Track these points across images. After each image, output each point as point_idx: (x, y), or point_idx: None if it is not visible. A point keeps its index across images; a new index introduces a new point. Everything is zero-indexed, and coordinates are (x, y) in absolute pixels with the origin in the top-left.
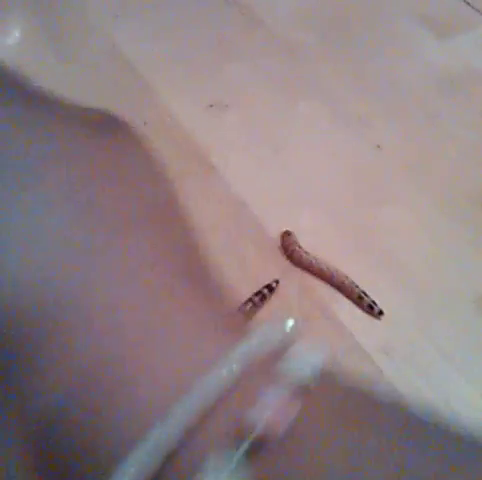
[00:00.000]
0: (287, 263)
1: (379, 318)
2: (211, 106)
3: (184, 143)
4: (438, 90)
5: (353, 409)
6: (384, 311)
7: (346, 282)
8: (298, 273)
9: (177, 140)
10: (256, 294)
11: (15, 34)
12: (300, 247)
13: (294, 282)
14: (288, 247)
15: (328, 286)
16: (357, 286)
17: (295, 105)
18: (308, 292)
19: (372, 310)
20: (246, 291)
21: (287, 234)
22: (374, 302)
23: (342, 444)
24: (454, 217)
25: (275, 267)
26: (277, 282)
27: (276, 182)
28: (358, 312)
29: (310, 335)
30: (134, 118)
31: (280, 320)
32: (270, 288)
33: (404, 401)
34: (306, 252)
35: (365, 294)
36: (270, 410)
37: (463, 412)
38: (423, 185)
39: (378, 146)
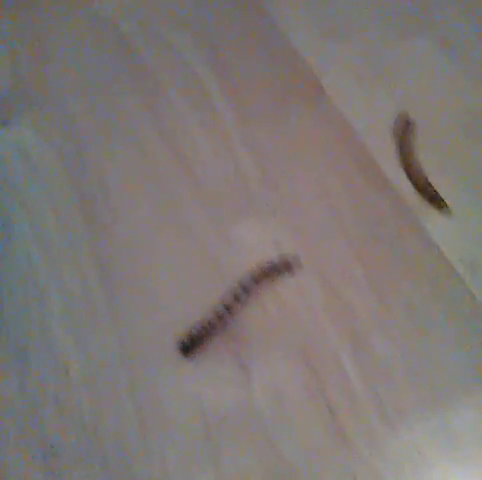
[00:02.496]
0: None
1: (441, 210)
2: (329, 36)
3: (299, 67)
4: None
5: None
6: (472, 227)
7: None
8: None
9: (293, 64)
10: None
11: None
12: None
13: (391, 200)
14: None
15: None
16: (427, 179)
17: (410, 41)
18: (403, 209)
19: (434, 201)
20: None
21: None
22: (438, 194)
23: None
24: None
25: (374, 186)
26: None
27: (384, 110)
28: (448, 227)
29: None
30: (253, 43)
31: None
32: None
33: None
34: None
35: (431, 186)
36: None
37: None
38: None
39: None
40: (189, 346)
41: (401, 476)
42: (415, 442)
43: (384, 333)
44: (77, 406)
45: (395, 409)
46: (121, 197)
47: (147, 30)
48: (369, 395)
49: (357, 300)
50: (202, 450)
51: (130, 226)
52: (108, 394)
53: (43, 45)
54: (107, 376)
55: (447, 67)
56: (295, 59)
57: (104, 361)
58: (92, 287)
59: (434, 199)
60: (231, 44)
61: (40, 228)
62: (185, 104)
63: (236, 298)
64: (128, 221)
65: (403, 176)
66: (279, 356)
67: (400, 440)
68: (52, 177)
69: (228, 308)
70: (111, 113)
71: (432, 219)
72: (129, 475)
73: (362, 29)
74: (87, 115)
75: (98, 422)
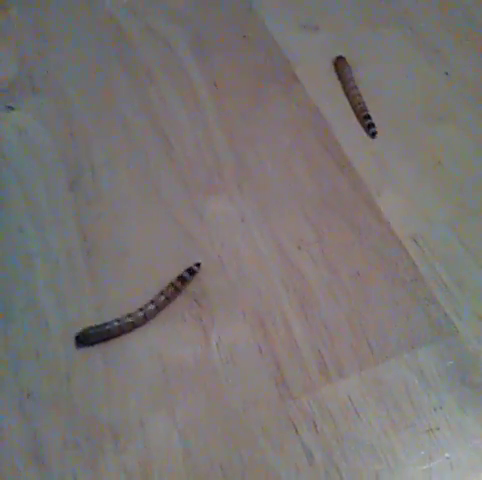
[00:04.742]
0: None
1: (373, 138)
2: (304, 26)
3: (275, 55)
4: None
5: None
6: (420, 206)
7: (360, 100)
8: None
9: (269, 52)
10: (178, 278)
11: None
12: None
13: (350, 178)
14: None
15: (375, 178)
16: (366, 108)
17: (378, 31)
18: (360, 186)
19: (369, 129)
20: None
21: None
22: (373, 124)
23: None
24: None
25: (336, 165)
26: (198, 265)
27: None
28: (397, 204)
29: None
30: (235, 32)
31: None
32: (191, 271)
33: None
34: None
35: (369, 116)
36: None
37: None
38: None
39: (446, 73)
40: (83, 341)
41: (334, 421)
42: (349, 393)
43: (330, 297)
44: (54, 359)
45: (334, 364)
46: (105, 175)
47: (138, 20)
48: (312, 352)
49: (308, 267)
50: (160, 397)
51: (112, 200)
52: (81, 348)
53: (46, 37)
54: None
55: (412, 54)
56: (272, 48)
57: (81, 320)
58: (75, 255)
59: (369, 128)
60: (214, 33)
61: (32, 201)
62: (171, 91)
63: (145, 316)
64: (110, 196)
65: (363, 157)
66: (236, 318)
67: (336, 392)
68: (46, 156)
69: (135, 322)
70: (103, 98)
71: (384, 197)
72: (93, 416)
73: (334, 20)
74: (82, 100)
75: (70, 372)
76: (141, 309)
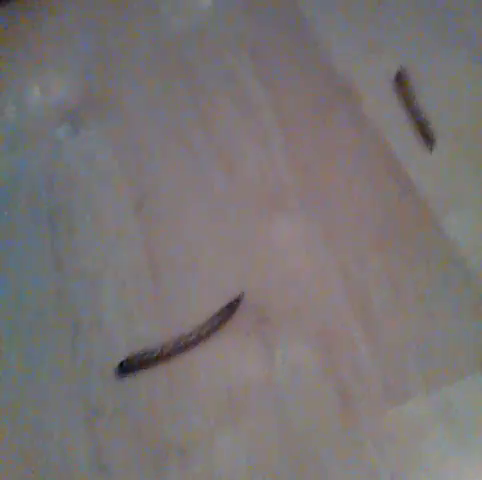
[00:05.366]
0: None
1: (431, 151)
2: (367, 49)
3: (338, 79)
4: None
5: None
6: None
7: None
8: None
9: (332, 76)
10: (228, 306)
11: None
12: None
13: (413, 199)
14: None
15: (439, 200)
16: (427, 122)
17: (443, 52)
18: (423, 207)
19: (428, 142)
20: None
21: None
22: (433, 138)
23: None
24: None
25: (398, 186)
26: (238, 300)
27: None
28: (462, 224)
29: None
30: (298, 57)
31: None
32: (237, 300)
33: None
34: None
35: (429, 129)
36: None
37: None
38: None
39: None
40: (126, 368)
41: (400, 442)
42: (416, 416)
43: (396, 318)
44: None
45: (400, 386)
46: (169, 195)
47: (203, 48)
48: (377, 374)
49: (373, 287)
50: (224, 416)
51: (176, 221)
52: None
53: (111, 64)
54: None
55: (477, 75)
56: (336, 71)
57: (147, 337)
58: (141, 274)
59: (424, 133)
60: (278, 59)
61: (99, 222)
62: (235, 114)
63: (185, 345)
64: (175, 217)
65: (426, 178)
66: (300, 337)
67: (402, 413)
68: (112, 178)
69: (175, 350)
70: (167, 124)
71: (449, 218)
72: (158, 432)
73: (398, 41)
74: (146, 123)
75: (135, 388)
76: (188, 335)
